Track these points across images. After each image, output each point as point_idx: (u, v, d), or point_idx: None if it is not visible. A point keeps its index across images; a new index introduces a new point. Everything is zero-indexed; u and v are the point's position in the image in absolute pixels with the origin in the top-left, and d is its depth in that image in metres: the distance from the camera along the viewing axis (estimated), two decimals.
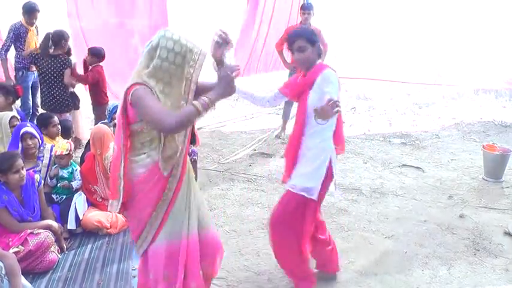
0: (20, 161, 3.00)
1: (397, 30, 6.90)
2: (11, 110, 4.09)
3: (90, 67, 5.02)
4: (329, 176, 2.59)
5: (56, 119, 4.12)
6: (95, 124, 5.07)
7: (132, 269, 3.06)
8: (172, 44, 2.02)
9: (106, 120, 4.70)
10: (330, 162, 2.56)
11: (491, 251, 3.31)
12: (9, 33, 5.15)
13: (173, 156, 2.13)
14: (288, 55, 6.24)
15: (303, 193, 2.53)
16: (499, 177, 4.60)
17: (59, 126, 4.11)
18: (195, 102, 1.98)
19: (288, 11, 7.01)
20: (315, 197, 2.53)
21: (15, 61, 5.27)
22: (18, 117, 3.87)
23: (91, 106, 5.33)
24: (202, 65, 2.09)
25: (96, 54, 5.03)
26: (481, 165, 4.79)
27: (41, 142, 3.64)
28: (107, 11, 6.09)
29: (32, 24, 5.21)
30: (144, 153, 2.13)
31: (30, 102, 5.48)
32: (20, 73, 5.21)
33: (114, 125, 4.58)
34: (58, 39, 4.75)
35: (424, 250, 3.31)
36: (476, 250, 3.32)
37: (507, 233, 3.53)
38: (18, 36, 5.17)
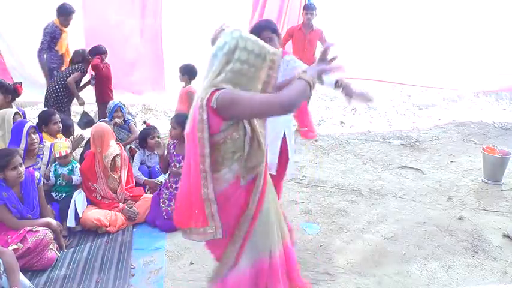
0: (18, 158, 3.00)
1: (398, 31, 6.88)
2: (11, 108, 4.09)
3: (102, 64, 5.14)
4: (284, 154, 2.53)
5: (57, 116, 4.12)
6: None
7: (131, 268, 3.06)
8: (252, 45, 1.87)
9: (106, 119, 4.71)
10: (284, 138, 2.54)
11: (490, 253, 3.31)
12: (45, 35, 5.23)
13: (258, 165, 1.96)
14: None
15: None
16: (499, 179, 4.60)
17: (60, 124, 4.11)
18: (300, 75, 1.82)
19: (289, 10, 7.00)
20: (273, 171, 2.50)
21: (49, 61, 5.30)
22: (21, 114, 3.88)
23: (95, 103, 5.37)
24: (279, 66, 1.98)
25: (97, 53, 5.06)
26: (480, 167, 4.79)
27: (39, 140, 3.65)
28: (107, 11, 6.09)
29: (66, 25, 5.28)
30: (226, 167, 1.92)
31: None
32: (55, 73, 5.25)
33: (115, 124, 4.60)
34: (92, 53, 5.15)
35: (422, 252, 3.31)
36: (475, 252, 3.32)
37: (506, 236, 3.53)
38: (53, 37, 5.25)
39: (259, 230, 1.99)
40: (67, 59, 5.33)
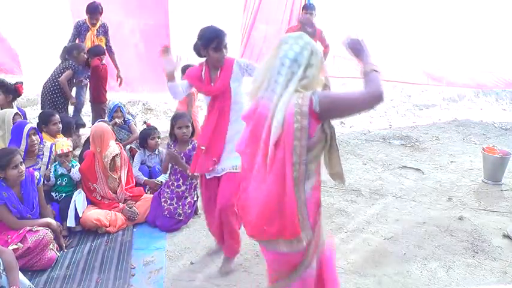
0: (18, 157, 3.00)
1: (397, 31, 6.89)
2: (11, 107, 4.10)
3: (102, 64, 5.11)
4: None
5: (57, 117, 4.13)
6: (93, 122, 5.09)
7: (131, 268, 3.06)
8: (317, 50, 1.88)
9: (106, 119, 4.71)
10: None
11: (490, 253, 3.31)
12: (73, 30, 5.33)
13: (340, 170, 1.96)
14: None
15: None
16: (499, 179, 4.60)
17: (60, 125, 4.11)
18: (367, 67, 1.83)
19: (289, 11, 7.00)
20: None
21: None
22: (21, 115, 3.88)
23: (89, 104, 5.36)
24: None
25: (96, 53, 5.05)
26: (480, 167, 4.79)
27: (40, 140, 3.65)
28: (107, 10, 6.09)
29: (93, 24, 5.30)
30: (311, 172, 1.88)
31: (83, 98, 5.63)
32: (80, 67, 5.23)
33: (115, 124, 4.60)
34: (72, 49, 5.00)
35: (422, 252, 3.31)
36: (475, 252, 3.32)
37: (506, 236, 3.53)
38: (79, 32, 5.30)
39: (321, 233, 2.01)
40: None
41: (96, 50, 5.11)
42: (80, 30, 5.32)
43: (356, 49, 1.91)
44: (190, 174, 3.18)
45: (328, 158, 1.90)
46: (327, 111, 1.78)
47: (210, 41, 2.71)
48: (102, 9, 5.30)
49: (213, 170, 2.91)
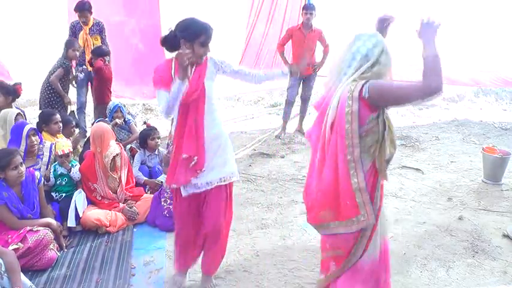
0: (18, 157, 3.00)
1: (397, 30, 6.89)
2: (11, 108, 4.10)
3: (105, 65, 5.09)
4: None
5: (58, 116, 4.13)
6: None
7: (131, 268, 3.06)
8: (387, 50, 2.00)
9: (107, 119, 4.71)
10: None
11: (490, 253, 3.31)
12: (69, 30, 5.36)
13: (390, 160, 2.01)
14: (288, 56, 6.28)
15: (234, 178, 2.65)
16: (499, 179, 4.60)
17: (61, 124, 4.11)
18: (430, 50, 1.81)
19: (289, 11, 7.01)
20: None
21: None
22: (23, 115, 3.88)
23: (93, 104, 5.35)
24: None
25: (99, 54, 5.04)
26: (480, 167, 4.79)
27: (39, 140, 3.65)
28: (107, 10, 6.10)
29: (83, 22, 5.27)
30: (365, 160, 1.97)
31: (84, 97, 5.59)
32: (80, 68, 5.30)
33: (115, 124, 4.60)
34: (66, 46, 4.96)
35: (422, 252, 3.32)
36: (474, 252, 3.32)
37: (506, 236, 3.54)
38: (74, 33, 5.32)
39: (382, 218, 2.07)
40: (89, 57, 5.28)
41: (98, 51, 5.10)
42: (74, 31, 5.33)
43: (429, 32, 1.87)
44: (166, 186, 2.95)
45: (383, 146, 1.98)
46: (376, 99, 1.87)
47: (198, 35, 2.38)
48: (90, 6, 5.25)
49: (192, 183, 2.54)
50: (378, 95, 1.87)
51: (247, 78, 2.73)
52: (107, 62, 5.09)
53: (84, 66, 5.24)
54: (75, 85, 5.44)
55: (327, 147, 1.97)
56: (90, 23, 5.32)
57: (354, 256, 2.04)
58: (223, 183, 2.60)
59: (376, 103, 1.89)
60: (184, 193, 2.59)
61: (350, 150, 1.91)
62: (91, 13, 5.28)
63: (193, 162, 2.49)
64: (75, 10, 5.23)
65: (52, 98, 4.91)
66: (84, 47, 5.29)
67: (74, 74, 5.17)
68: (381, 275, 2.12)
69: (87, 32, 5.30)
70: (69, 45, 4.97)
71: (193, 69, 2.48)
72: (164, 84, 2.40)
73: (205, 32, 2.41)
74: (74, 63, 5.11)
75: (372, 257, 2.06)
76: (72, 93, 5.46)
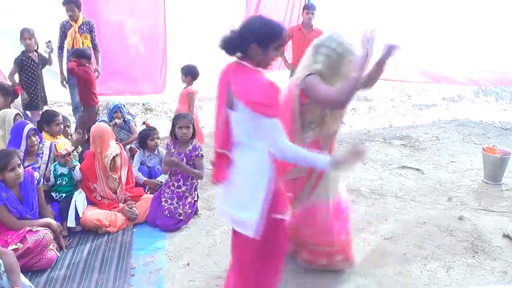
0: (16, 159, 3.00)
1: (396, 29, 6.89)
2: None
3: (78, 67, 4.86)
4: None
5: (60, 117, 4.12)
6: (76, 125, 5.02)
7: (131, 268, 3.06)
8: (334, 45, 2.46)
9: (106, 119, 4.71)
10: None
11: (490, 253, 3.31)
12: (59, 30, 5.27)
13: (334, 135, 2.62)
14: (288, 55, 6.28)
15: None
16: (499, 179, 4.60)
17: (62, 126, 4.11)
18: (354, 71, 2.27)
19: (289, 11, 7.01)
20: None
21: (67, 57, 5.33)
22: (22, 115, 3.88)
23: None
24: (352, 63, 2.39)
25: (80, 56, 4.85)
26: (480, 167, 4.79)
27: (40, 140, 3.65)
28: (107, 10, 6.09)
29: (70, 17, 5.20)
30: (305, 132, 2.59)
31: (78, 98, 5.43)
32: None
33: (115, 124, 4.60)
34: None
35: (422, 252, 3.31)
36: (475, 252, 3.32)
37: (506, 236, 3.53)
38: (64, 32, 5.26)
39: (323, 182, 2.71)
40: None
41: (77, 52, 4.92)
42: (64, 30, 5.26)
43: (387, 54, 2.48)
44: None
45: (326, 123, 2.61)
46: (306, 92, 2.46)
47: (275, 38, 2.00)
48: (79, 2, 5.19)
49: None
50: (307, 90, 2.44)
51: None
52: (87, 64, 4.86)
53: (50, 41, 5.01)
54: (67, 86, 5.39)
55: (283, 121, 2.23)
56: (80, 21, 5.24)
57: (300, 200, 2.74)
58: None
59: (306, 95, 2.46)
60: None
61: (294, 120, 2.54)
62: (79, 10, 5.21)
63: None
64: (62, 4, 5.16)
65: (30, 95, 4.80)
66: (72, 44, 5.20)
67: (39, 59, 4.94)
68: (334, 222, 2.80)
69: (76, 30, 5.22)
70: (20, 35, 4.79)
71: None
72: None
73: (282, 34, 2.04)
74: (32, 50, 4.87)
75: (312, 203, 2.74)
76: (65, 93, 5.44)
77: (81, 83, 4.92)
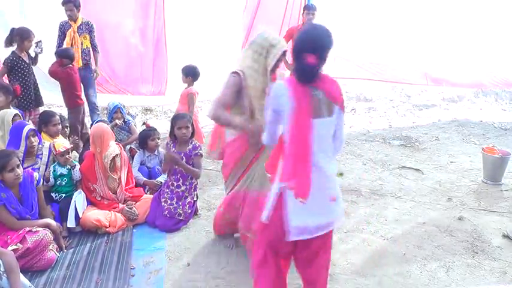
0: (15, 160, 3.00)
1: (398, 31, 6.90)
2: (10, 108, 4.10)
3: (61, 69, 4.85)
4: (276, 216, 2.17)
5: (57, 118, 4.12)
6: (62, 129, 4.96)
7: (131, 268, 3.06)
8: (261, 40, 2.72)
9: (106, 119, 4.71)
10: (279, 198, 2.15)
11: (490, 253, 3.31)
12: (58, 31, 5.25)
13: (259, 130, 2.68)
14: (289, 56, 6.27)
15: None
16: (498, 180, 4.60)
17: (60, 126, 4.11)
18: (240, 119, 2.77)
19: (289, 11, 7.01)
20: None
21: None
22: (21, 116, 3.88)
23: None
24: (278, 57, 2.70)
25: (62, 56, 4.85)
26: (480, 167, 4.79)
27: (39, 140, 3.65)
28: (107, 11, 6.10)
29: (69, 16, 5.17)
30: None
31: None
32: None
33: (115, 125, 4.60)
34: (16, 35, 4.58)
35: (422, 252, 3.32)
36: (474, 252, 3.32)
37: (506, 236, 3.53)
38: (63, 32, 5.23)
39: (249, 175, 2.96)
40: (77, 55, 5.17)
41: (60, 52, 4.88)
42: (63, 30, 5.25)
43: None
44: None
45: (252, 118, 2.80)
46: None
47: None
48: (78, 2, 5.16)
49: None
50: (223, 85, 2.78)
51: None
52: (70, 65, 4.84)
53: (40, 41, 4.81)
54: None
55: None
56: (79, 21, 5.23)
57: (228, 187, 3.12)
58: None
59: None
60: None
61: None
62: (78, 10, 5.19)
63: None
64: (62, 4, 5.15)
65: (24, 95, 4.61)
66: (71, 44, 5.18)
67: (29, 59, 4.76)
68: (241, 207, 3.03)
69: (75, 30, 5.21)
70: (25, 35, 4.60)
71: None
72: None
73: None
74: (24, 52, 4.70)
75: (235, 191, 3.02)
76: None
77: (64, 84, 4.87)
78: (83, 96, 5.32)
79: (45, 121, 4.07)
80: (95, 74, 5.51)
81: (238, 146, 2.92)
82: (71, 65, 4.88)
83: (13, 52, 4.63)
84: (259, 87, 2.75)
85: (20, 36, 4.59)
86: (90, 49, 5.41)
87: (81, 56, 5.27)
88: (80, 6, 5.22)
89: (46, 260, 3.02)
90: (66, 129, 4.46)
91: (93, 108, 5.50)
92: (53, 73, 4.90)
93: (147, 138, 4.30)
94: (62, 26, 5.27)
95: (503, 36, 6.70)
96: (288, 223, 2.09)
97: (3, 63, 4.63)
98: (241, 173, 2.98)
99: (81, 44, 5.26)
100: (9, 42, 4.63)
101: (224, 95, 2.75)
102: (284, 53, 2.73)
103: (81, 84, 5.35)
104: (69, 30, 5.21)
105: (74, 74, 4.89)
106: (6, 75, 4.63)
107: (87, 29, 5.33)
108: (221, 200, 3.37)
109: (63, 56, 4.83)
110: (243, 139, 2.86)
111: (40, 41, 4.79)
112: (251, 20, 6.82)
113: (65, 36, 5.23)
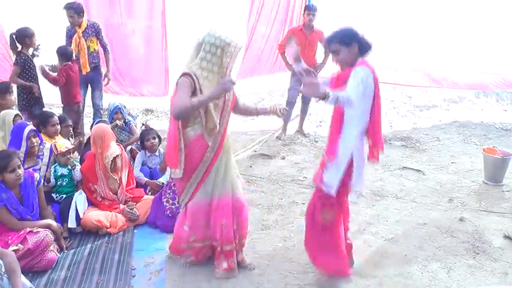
0: (16, 160, 3.00)
1: (398, 32, 6.90)
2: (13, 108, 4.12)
3: (60, 67, 4.81)
4: (347, 175, 2.66)
5: (56, 118, 4.11)
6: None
7: (132, 269, 3.06)
8: (213, 40, 2.62)
9: (107, 119, 4.71)
10: (352, 160, 2.64)
11: (491, 254, 3.31)
12: (66, 36, 5.21)
13: (214, 129, 2.72)
14: (289, 57, 6.27)
15: (322, 186, 2.71)
16: (499, 180, 4.60)
17: (58, 127, 4.11)
18: (211, 90, 2.57)
19: (290, 11, 7.01)
20: (331, 190, 2.66)
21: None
22: (21, 116, 3.89)
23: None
24: (236, 56, 2.68)
25: (62, 54, 4.83)
26: (481, 168, 4.78)
27: (40, 141, 3.66)
28: (107, 11, 6.10)
29: (72, 23, 5.13)
30: (190, 126, 2.72)
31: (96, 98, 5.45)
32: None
33: (116, 125, 4.60)
34: (21, 37, 4.60)
35: (423, 253, 3.31)
36: (475, 253, 3.31)
37: (507, 237, 3.53)
38: (70, 37, 5.18)
39: (209, 179, 2.82)
40: (84, 61, 5.15)
41: (58, 50, 4.85)
42: (69, 35, 5.19)
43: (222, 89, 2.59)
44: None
45: (206, 118, 2.72)
46: (176, 90, 2.64)
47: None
48: (80, 9, 5.10)
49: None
50: (176, 90, 2.63)
51: None
52: (68, 63, 4.82)
53: (39, 44, 4.80)
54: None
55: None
56: (84, 26, 5.16)
57: (184, 198, 2.88)
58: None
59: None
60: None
61: (177, 120, 2.66)
62: (80, 16, 5.10)
63: None
64: (63, 9, 5.09)
65: (25, 95, 4.66)
66: (78, 50, 5.12)
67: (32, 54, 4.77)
68: (216, 220, 2.87)
69: (81, 35, 5.14)
70: (29, 35, 4.62)
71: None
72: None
73: None
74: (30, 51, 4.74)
75: (195, 203, 2.85)
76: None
77: (63, 82, 4.84)
78: (87, 97, 5.33)
79: (44, 122, 4.05)
80: (106, 79, 5.50)
81: (199, 147, 2.76)
82: (70, 63, 4.87)
83: (22, 52, 4.65)
84: (214, 86, 2.64)
85: (24, 36, 4.60)
86: (99, 51, 5.35)
87: (89, 60, 5.22)
88: (82, 13, 5.14)
89: (47, 261, 3.02)
90: (69, 128, 4.45)
91: (97, 110, 5.48)
92: (53, 83, 4.85)
93: (143, 138, 4.31)
94: (68, 31, 5.21)
95: (504, 37, 6.69)
96: (359, 182, 2.70)
97: (16, 64, 4.64)
98: (201, 177, 2.81)
99: (88, 48, 5.20)
100: (15, 46, 4.66)
101: (181, 99, 2.56)
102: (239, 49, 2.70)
103: (89, 85, 5.38)
104: (75, 36, 5.14)
105: (71, 73, 4.89)
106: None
107: (94, 31, 5.25)
108: (181, 214, 3.00)
109: (62, 54, 4.83)
110: (202, 140, 2.74)
111: (39, 45, 4.82)
112: (254, 22, 6.82)
113: (71, 41, 5.17)
